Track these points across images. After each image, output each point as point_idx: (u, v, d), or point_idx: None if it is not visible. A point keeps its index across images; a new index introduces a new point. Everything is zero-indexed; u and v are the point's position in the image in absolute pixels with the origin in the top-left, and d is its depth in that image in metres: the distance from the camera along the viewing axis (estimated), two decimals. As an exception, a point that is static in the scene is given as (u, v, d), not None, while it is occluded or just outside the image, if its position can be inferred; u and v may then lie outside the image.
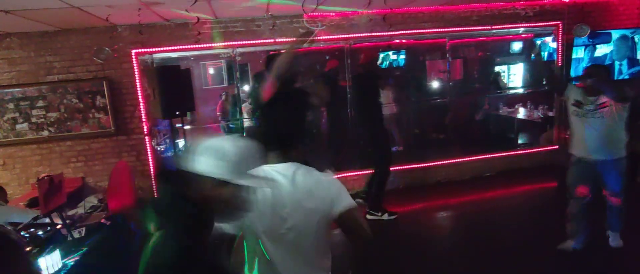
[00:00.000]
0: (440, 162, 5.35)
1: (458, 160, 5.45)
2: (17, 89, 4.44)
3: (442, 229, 4.43)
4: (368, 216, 4.32)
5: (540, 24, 5.37)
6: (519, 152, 5.78)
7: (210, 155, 1.04)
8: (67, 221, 3.16)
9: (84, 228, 3.20)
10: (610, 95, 2.97)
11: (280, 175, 1.45)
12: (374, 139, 4.43)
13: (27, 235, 2.88)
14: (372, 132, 4.40)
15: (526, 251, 3.45)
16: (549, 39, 5.68)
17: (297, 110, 2.24)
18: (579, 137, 3.17)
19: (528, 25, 5.36)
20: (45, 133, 4.56)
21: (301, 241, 1.44)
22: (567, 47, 5.41)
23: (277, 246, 1.44)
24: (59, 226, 3.01)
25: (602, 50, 5.47)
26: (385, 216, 4.33)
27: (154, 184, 4.83)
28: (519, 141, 6.50)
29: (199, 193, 1.03)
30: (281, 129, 1.72)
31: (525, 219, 4.22)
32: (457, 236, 4.11)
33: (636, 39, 5.50)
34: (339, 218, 1.44)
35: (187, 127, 5.15)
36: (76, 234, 3.06)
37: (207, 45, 4.69)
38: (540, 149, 5.70)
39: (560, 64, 5.53)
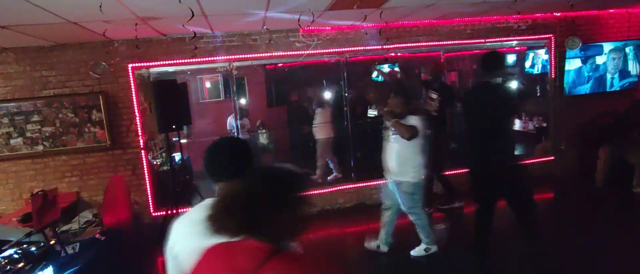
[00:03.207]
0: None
1: (454, 172, 5.45)
2: (12, 104, 4.42)
3: (440, 240, 4.39)
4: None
5: (533, 37, 5.47)
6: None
7: None
8: (61, 237, 3.12)
9: (77, 244, 3.15)
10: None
11: None
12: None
13: (19, 251, 2.84)
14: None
15: (523, 263, 3.43)
16: (541, 52, 5.78)
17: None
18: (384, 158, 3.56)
19: (521, 38, 5.45)
20: (40, 148, 4.53)
21: None
22: (560, 59, 5.50)
23: None
24: (52, 242, 2.97)
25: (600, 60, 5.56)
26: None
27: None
28: (515, 153, 6.52)
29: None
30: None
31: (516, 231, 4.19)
32: (455, 247, 4.08)
33: (627, 52, 5.61)
34: None
35: (183, 141, 5.13)
36: (70, 250, 3.02)
37: (204, 59, 4.72)
38: (536, 160, 5.73)
39: (553, 76, 5.61)
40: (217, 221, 1.04)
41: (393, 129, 3.36)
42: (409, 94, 3.51)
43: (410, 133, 3.23)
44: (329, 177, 6.09)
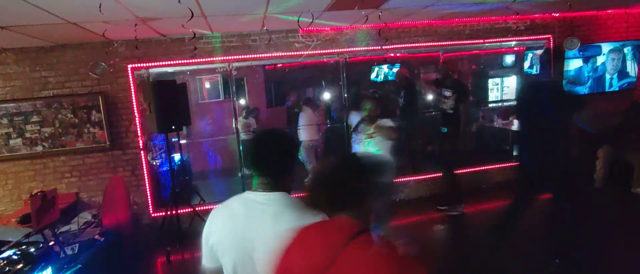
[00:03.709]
0: (436, 175, 5.35)
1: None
2: (11, 104, 4.42)
3: (439, 240, 4.40)
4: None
5: (531, 37, 5.48)
6: (515, 163, 5.81)
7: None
8: (60, 238, 3.11)
9: (77, 245, 3.15)
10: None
11: None
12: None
13: (18, 252, 2.83)
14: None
15: (524, 262, 3.44)
16: (540, 52, 5.79)
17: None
18: None
19: (519, 38, 5.46)
20: (39, 148, 4.53)
21: None
22: (559, 60, 5.51)
23: None
24: (51, 243, 2.96)
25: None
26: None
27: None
28: (514, 153, 6.54)
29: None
30: None
31: (523, 231, 4.20)
32: (455, 247, 4.09)
33: (625, 52, 5.63)
34: None
35: (183, 141, 5.13)
36: (69, 251, 3.02)
37: (203, 59, 4.72)
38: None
39: (552, 76, 5.61)
40: (312, 197, 1.21)
41: (370, 132, 3.43)
42: (382, 99, 3.75)
43: (395, 134, 3.37)
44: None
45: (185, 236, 4.17)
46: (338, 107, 6.31)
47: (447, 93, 4.59)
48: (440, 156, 4.94)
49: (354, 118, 3.70)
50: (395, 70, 6.02)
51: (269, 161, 1.38)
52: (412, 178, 5.31)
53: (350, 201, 1.15)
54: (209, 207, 4.66)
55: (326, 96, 6.65)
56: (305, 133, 6.03)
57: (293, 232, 1.21)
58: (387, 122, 3.44)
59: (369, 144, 3.47)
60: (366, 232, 1.11)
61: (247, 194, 1.40)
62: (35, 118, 4.48)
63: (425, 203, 5.05)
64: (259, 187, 1.38)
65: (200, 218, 4.24)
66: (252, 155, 1.40)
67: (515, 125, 6.68)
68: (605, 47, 5.56)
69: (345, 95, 5.25)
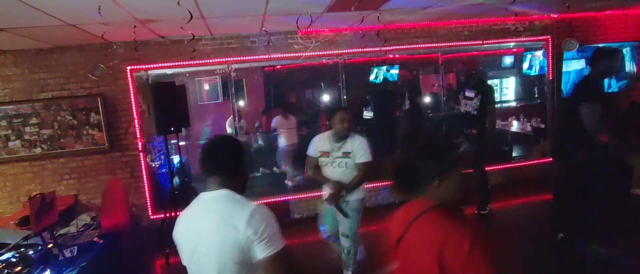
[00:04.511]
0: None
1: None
2: (10, 106, 4.42)
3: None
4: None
5: (530, 38, 5.49)
6: (514, 165, 5.81)
7: None
8: (59, 240, 3.11)
9: (75, 247, 3.14)
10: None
11: None
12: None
13: (17, 255, 2.83)
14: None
15: (524, 264, 3.43)
16: (539, 53, 5.80)
17: None
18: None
19: (518, 40, 5.47)
20: (38, 150, 4.52)
21: None
22: (557, 61, 5.52)
23: None
24: (50, 246, 2.96)
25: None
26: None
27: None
28: (514, 154, 6.54)
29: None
30: None
31: (523, 232, 4.21)
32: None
33: (623, 53, 5.64)
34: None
35: (182, 143, 5.12)
36: (68, 254, 3.01)
37: (202, 61, 4.72)
38: (535, 161, 5.74)
39: (551, 78, 5.63)
40: (395, 182, 1.44)
41: (341, 153, 2.99)
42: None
43: (369, 156, 2.97)
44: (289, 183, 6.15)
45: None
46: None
47: (470, 94, 4.45)
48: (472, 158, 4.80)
49: (318, 144, 3.09)
50: (393, 71, 6.01)
51: (217, 162, 1.52)
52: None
53: (425, 184, 1.35)
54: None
55: (325, 97, 6.65)
56: (284, 138, 6.25)
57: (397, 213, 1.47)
58: (357, 139, 2.98)
59: (335, 169, 2.99)
60: (439, 208, 1.31)
61: (201, 194, 1.54)
62: (34, 120, 4.47)
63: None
64: (210, 186, 1.51)
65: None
66: (203, 157, 1.52)
67: (514, 126, 6.69)
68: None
69: (345, 97, 5.25)
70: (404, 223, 1.37)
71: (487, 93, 4.44)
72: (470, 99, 4.47)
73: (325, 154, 3.05)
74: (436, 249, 1.21)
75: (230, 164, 1.52)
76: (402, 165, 1.43)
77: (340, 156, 2.99)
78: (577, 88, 3.54)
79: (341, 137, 2.97)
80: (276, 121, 6.44)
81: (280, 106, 6.92)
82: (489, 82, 5.25)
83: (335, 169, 3.02)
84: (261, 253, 1.38)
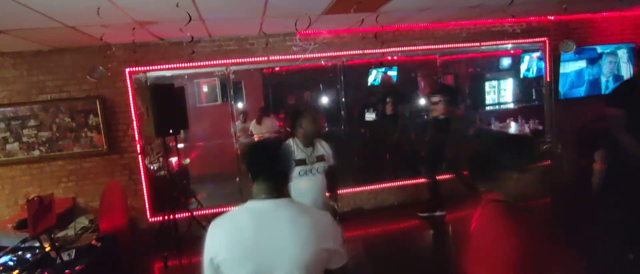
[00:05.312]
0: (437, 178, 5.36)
1: (452, 176, 5.47)
2: (8, 108, 4.40)
3: (443, 243, 4.40)
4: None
5: (527, 40, 5.51)
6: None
7: None
8: (57, 244, 3.09)
9: (73, 250, 3.13)
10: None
11: None
12: None
13: (14, 258, 2.81)
14: None
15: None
16: (536, 55, 5.83)
17: None
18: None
19: (516, 41, 5.49)
20: (36, 153, 4.51)
21: None
22: (555, 63, 5.55)
23: None
24: (48, 249, 2.94)
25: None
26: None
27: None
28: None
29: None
30: None
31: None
32: (452, 251, 4.08)
33: (620, 55, 5.67)
34: None
35: (180, 145, 5.11)
36: (66, 257, 3.00)
37: (201, 63, 4.73)
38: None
39: (548, 79, 5.65)
40: (470, 169, 1.48)
41: (316, 158, 2.71)
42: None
43: (331, 162, 2.78)
44: None
45: (182, 241, 4.15)
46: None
47: (435, 98, 4.60)
48: (425, 161, 4.90)
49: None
50: (391, 73, 6.03)
51: (274, 166, 1.37)
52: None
53: (494, 179, 1.37)
54: (207, 212, 4.65)
55: (324, 99, 6.66)
56: None
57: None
58: (324, 145, 2.78)
59: (313, 177, 2.64)
60: (499, 202, 1.34)
61: (252, 204, 1.36)
62: (32, 122, 4.46)
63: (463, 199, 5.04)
64: (262, 194, 1.36)
65: (197, 223, 4.22)
66: (258, 160, 1.39)
67: (512, 127, 6.70)
68: (601, 50, 5.60)
69: (343, 99, 5.26)
70: (476, 213, 1.43)
71: (451, 95, 4.58)
72: (437, 102, 4.60)
73: (302, 163, 2.64)
74: (488, 245, 1.28)
75: (286, 169, 1.41)
76: (479, 153, 1.45)
77: (316, 161, 2.68)
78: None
79: (311, 140, 2.70)
80: (252, 125, 6.17)
81: (279, 107, 6.93)
82: (452, 86, 5.36)
83: (313, 178, 2.65)
84: (337, 263, 1.38)
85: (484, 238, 1.33)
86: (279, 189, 1.37)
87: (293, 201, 1.39)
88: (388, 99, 5.58)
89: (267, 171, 1.37)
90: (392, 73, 6.05)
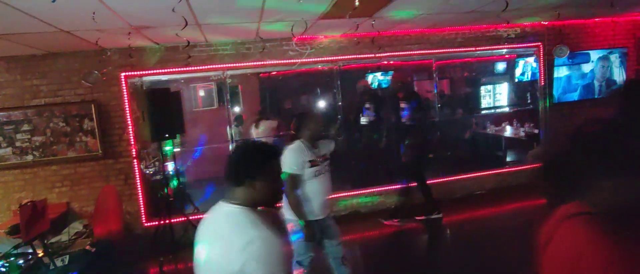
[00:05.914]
0: (432, 181, 5.37)
1: (449, 179, 5.50)
2: (1, 113, 4.36)
3: (436, 247, 4.41)
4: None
5: (522, 45, 5.57)
6: (508, 169, 5.86)
7: None
8: (50, 249, 3.06)
9: (67, 256, 3.10)
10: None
11: None
12: None
13: (7, 264, 2.78)
14: None
15: (518, 270, 3.44)
16: (531, 59, 5.89)
17: None
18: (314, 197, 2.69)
19: (510, 46, 5.55)
20: (30, 158, 4.46)
21: None
22: (549, 67, 5.61)
23: None
24: (41, 255, 2.91)
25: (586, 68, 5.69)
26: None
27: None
28: (508, 159, 6.60)
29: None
30: None
31: (518, 237, 4.22)
32: (450, 253, 4.09)
33: (612, 59, 5.75)
34: None
35: (176, 149, 5.09)
36: (59, 263, 2.96)
37: (197, 68, 4.72)
38: (528, 166, 5.79)
39: (542, 84, 5.71)
40: (546, 177, 1.28)
41: (322, 157, 2.73)
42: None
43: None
44: None
45: (178, 246, 4.12)
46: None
47: (403, 105, 4.69)
48: (404, 168, 4.89)
49: (300, 155, 2.62)
50: (388, 77, 6.06)
51: (232, 169, 1.36)
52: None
53: (577, 188, 1.14)
54: (203, 216, 4.60)
55: (321, 103, 6.67)
56: None
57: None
58: (328, 143, 2.83)
59: (324, 177, 2.68)
60: (582, 216, 1.11)
61: (219, 203, 1.40)
62: (26, 127, 4.42)
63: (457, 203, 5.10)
64: (227, 196, 1.38)
65: (193, 227, 4.19)
66: (227, 163, 1.39)
67: (507, 131, 6.75)
68: (594, 54, 5.68)
69: (340, 103, 5.27)
70: (549, 227, 1.19)
71: (415, 101, 4.67)
72: (403, 109, 4.69)
73: (314, 163, 2.65)
74: (567, 265, 1.06)
75: (240, 172, 1.33)
76: (558, 159, 1.21)
77: (323, 160, 2.73)
78: None
79: (316, 140, 2.72)
80: (252, 129, 6.13)
81: (274, 111, 6.92)
82: (417, 93, 5.47)
83: (324, 178, 2.70)
84: None
85: (567, 256, 1.09)
86: (235, 193, 1.35)
87: (240, 210, 1.31)
88: (368, 105, 5.64)
89: (226, 174, 1.37)
90: (389, 77, 6.09)
